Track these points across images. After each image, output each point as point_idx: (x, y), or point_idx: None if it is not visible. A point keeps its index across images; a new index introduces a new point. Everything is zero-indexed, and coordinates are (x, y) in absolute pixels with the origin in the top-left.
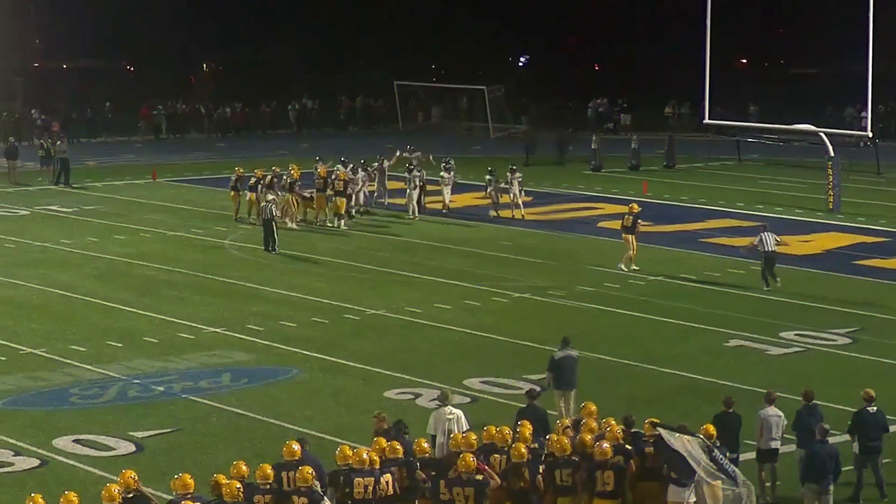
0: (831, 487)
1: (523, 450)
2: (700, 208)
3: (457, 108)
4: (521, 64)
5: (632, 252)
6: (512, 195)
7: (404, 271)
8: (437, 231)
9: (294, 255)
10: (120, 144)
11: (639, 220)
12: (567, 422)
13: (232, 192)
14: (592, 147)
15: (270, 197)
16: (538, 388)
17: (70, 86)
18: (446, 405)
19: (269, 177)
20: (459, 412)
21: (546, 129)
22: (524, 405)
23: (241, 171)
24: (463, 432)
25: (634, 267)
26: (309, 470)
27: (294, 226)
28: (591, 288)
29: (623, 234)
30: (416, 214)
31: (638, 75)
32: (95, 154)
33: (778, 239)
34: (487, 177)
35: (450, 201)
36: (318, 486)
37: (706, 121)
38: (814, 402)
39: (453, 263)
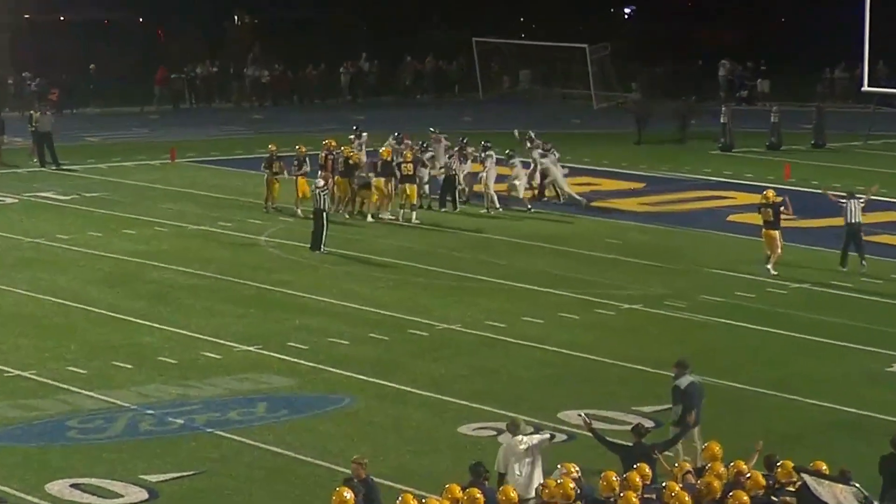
0: None
1: (634, 500)
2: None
3: (551, 72)
4: (626, 16)
5: (774, 251)
6: (483, 181)
7: (483, 275)
8: (523, 226)
9: (347, 256)
10: (131, 117)
11: (782, 210)
12: (687, 465)
13: (268, 175)
14: (721, 121)
15: (322, 182)
16: (648, 425)
17: (69, 43)
18: (518, 435)
19: (322, 155)
20: (535, 439)
21: (663, 98)
22: (630, 444)
23: (275, 148)
24: (559, 478)
25: (773, 272)
26: None
27: (347, 216)
28: (719, 297)
29: (764, 231)
30: (497, 205)
31: (780, 31)
32: (100, 128)
33: (863, 203)
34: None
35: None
36: None
37: (866, 88)
38: None
39: (544, 266)
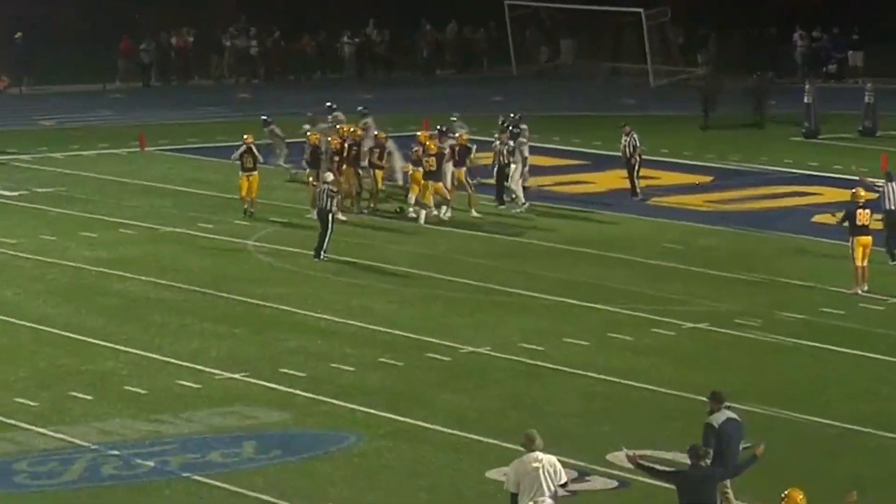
0: None
1: None
2: None
3: (598, 43)
4: None
5: (861, 263)
6: (448, 176)
7: (517, 288)
8: (564, 228)
9: (354, 264)
10: (91, 95)
11: (870, 212)
12: None
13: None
14: (806, 101)
15: (330, 177)
16: (704, 449)
17: (10, 7)
18: (533, 450)
19: (337, 143)
20: (552, 459)
21: (735, 73)
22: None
23: (251, 139)
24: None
25: (865, 287)
26: None
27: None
28: (802, 315)
29: (852, 238)
30: (525, 201)
31: None
32: (53, 109)
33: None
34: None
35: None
36: None
37: None
38: None
39: (589, 276)
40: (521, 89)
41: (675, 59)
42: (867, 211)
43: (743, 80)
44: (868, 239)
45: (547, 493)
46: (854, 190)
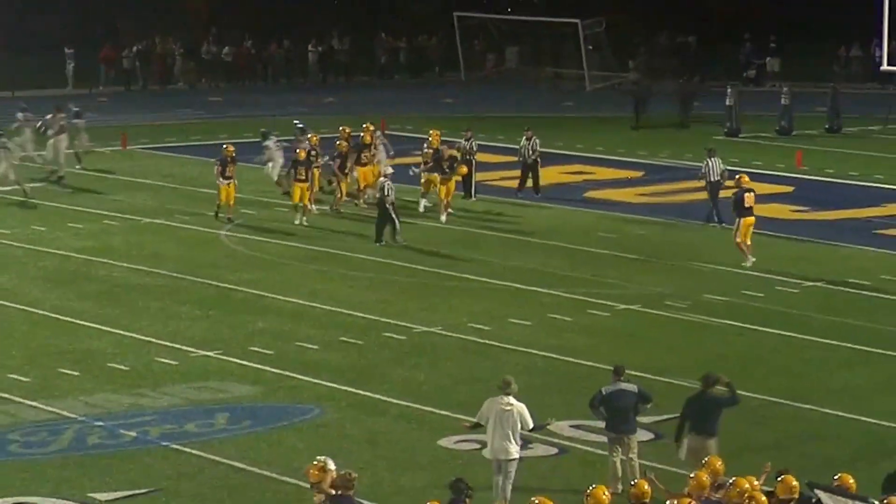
0: None
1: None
2: (876, 188)
3: (540, 51)
4: None
5: (745, 240)
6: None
7: (467, 273)
8: (510, 219)
9: (317, 252)
10: (77, 98)
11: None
12: (644, 486)
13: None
14: (727, 103)
15: (391, 171)
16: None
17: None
18: (508, 394)
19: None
20: (521, 406)
21: (663, 78)
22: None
23: (234, 150)
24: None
25: (752, 259)
26: None
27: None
28: (725, 297)
29: (739, 218)
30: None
31: (792, 6)
32: (40, 111)
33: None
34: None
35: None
36: None
37: (885, 67)
38: None
39: (534, 263)
40: (470, 93)
41: (608, 65)
42: (752, 194)
43: (670, 84)
44: (752, 219)
45: (510, 435)
46: (738, 176)
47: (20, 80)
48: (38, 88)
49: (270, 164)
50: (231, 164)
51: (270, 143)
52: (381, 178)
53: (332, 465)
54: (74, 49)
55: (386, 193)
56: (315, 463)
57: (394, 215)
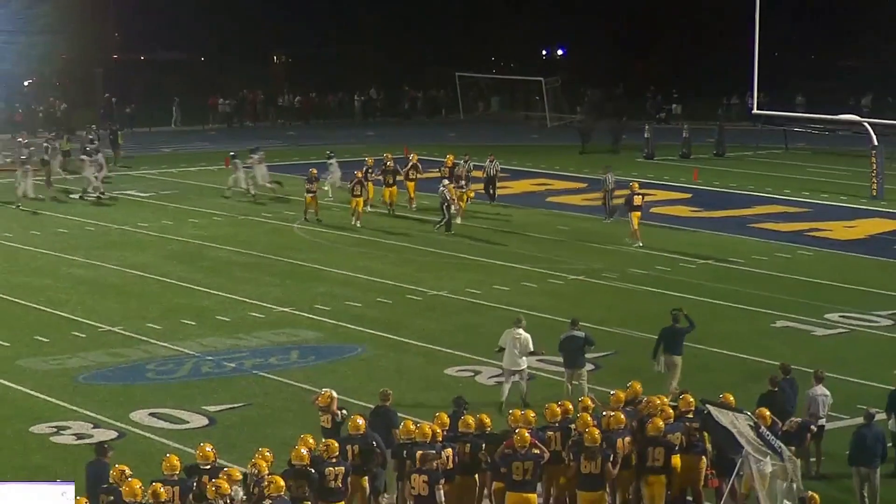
0: (878, 469)
1: (589, 420)
2: (748, 195)
3: (515, 99)
4: (559, 55)
5: (636, 227)
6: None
7: (464, 254)
8: (495, 217)
9: (361, 239)
10: (195, 133)
11: (642, 196)
12: (587, 401)
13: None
14: (645, 136)
15: (447, 181)
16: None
17: (146, 76)
18: (519, 327)
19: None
20: (527, 336)
21: (601, 118)
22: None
23: (315, 172)
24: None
25: (640, 242)
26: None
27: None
28: (643, 271)
29: (630, 213)
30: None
31: (689, 68)
32: (171, 142)
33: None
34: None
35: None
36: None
37: (755, 111)
38: None
39: (512, 247)
40: (467, 129)
41: (563, 109)
42: (640, 195)
43: (606, 122)
44: (639, 213)
45: (517, 354)
46: (631, 183)
47: (158, 120)
48: (161, 126)
49: (331, 178)
50: (315, 181)
51: (332, 161)
52: (441, 188)
53: (335, 395)
54: (180, 98)
55: (443, 199)
56: (323, 392)
57: (444, 212)
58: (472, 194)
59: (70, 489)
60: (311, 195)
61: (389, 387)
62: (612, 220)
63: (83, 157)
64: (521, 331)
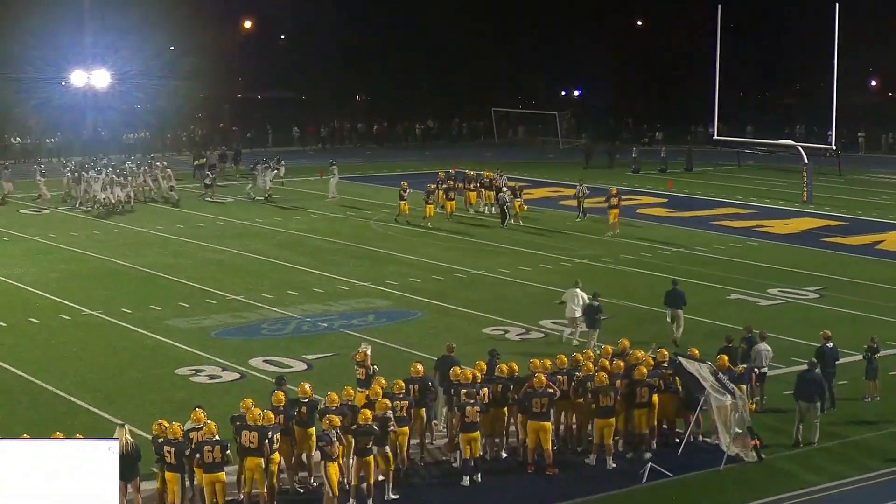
0: (818, 403)
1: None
2: (710, 199)
3: (535, 128)
4: (576, 95)
5: (614, 221)
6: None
7: (497, 243)
8: (522, 217)
9: (420, 233)
10: (298, 152)
11: (619, 199)
12: (590, 353)
13: (402, 203)
14: (633, 155)
15: (506, 190)
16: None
17: (262, 111)
18: (575, 287)
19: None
20: (581, 292)
21: (600, 142)
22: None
23: (406, 185)
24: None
25: (617, 230)
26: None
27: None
28: (631, 256)
29: (609, 210)
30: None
31: (665, 104)
32: (284, 158)
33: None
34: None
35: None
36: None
37: (715, 137)
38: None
39: (532, 238)
40: (500, 151)
41: (572, 135)
42: (618, 198)
43: (604, 145)
44: (617, 210)
45: (578, 310)
46: (610, 189)
47: (276, 140)
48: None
49: (332, 178)
50: (407, 190)
51: (334, 168)
52: (501, 194)
53: (369, 352)
54: (297, 126)
55: (503, 201)
56: (361, 349)
57: (506, 212)
58: (526, 208)
59: (115, 444)
60: (403, 202)
61: (440, 342)
62: (582, 219)
63: (260, 166)
64: (578, 290)
